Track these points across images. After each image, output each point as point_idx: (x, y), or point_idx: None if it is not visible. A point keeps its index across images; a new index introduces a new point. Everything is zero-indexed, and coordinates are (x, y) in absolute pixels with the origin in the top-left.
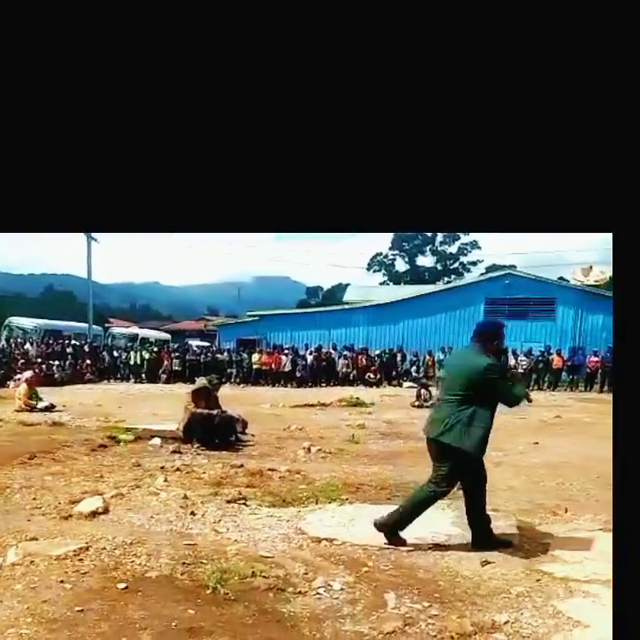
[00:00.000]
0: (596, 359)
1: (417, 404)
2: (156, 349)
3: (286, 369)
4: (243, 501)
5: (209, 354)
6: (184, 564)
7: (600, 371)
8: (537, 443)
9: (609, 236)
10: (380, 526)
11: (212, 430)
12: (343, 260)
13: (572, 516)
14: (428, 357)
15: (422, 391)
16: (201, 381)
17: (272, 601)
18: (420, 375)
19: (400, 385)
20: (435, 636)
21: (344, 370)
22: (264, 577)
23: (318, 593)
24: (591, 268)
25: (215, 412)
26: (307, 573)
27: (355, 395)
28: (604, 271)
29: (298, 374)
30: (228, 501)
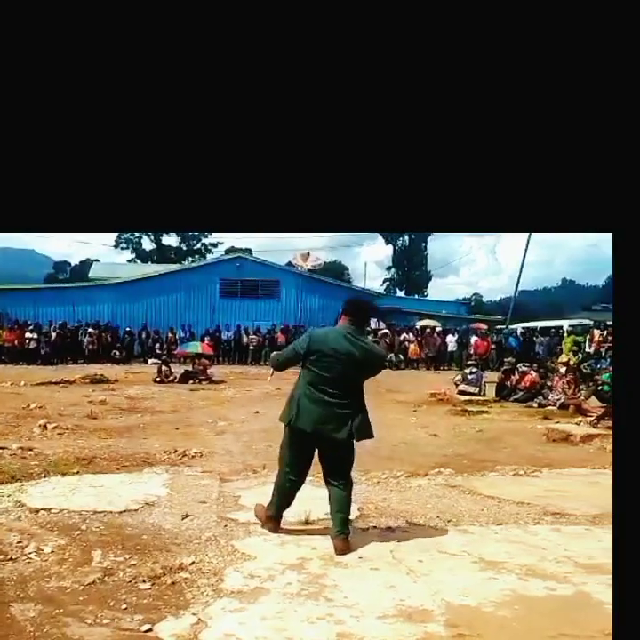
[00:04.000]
0: None
1: (158, 379)
2: None
3: (31, 346)
4: None
5: None
6: None
7: None
8: (257, 412)
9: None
10: (347, 542)
11: None
12: (90, 236)
13: (267, 472)
14: (170, 335)
15: (163, 367)
16: None
17: None
18: (163, 352)
19: (146, 362)
20: (129, 582)
21: (90, 347)
22: None
23: (29, 557)
24: (309, 253)
25: None
26: (20, 541)
27: (99, 372)
28: (319, 257)
29: (42, 352)
30: None
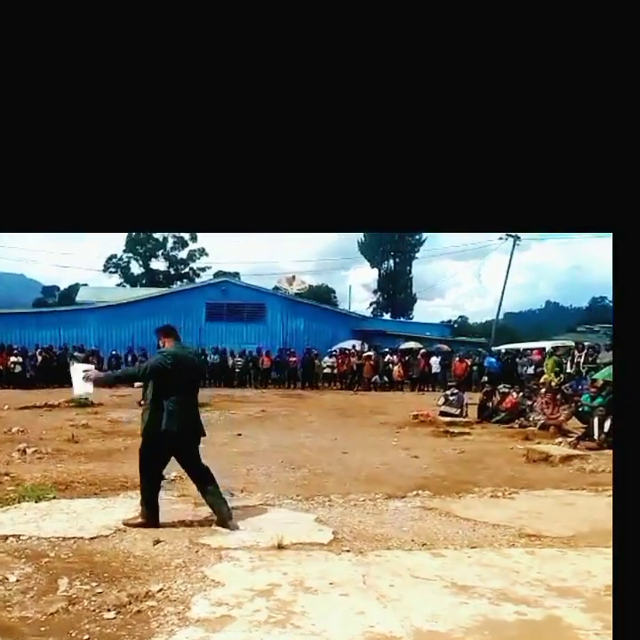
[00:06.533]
0: (294, 359)
1: (143, 402)
2: None
3: (16, 370)
4: None
5: None
6: None
7: (301, 370)
8: (240, 434)
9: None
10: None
11: None
12: (80, 261)
13: (245, 495)
14: None
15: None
16: None
17: None
18: None
19: (132, 385)
20: (94, 611)
21: None
22: None
23: None
24: (294, 277)
25: None
26: None
27: (83, 395)
28: (304, 281)
29: (28, 375)
30: None
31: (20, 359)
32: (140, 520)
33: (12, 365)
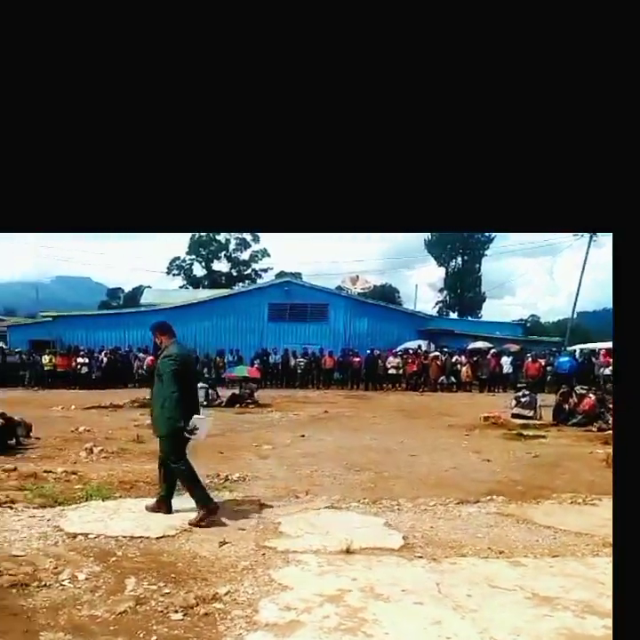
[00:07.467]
0: (357, 359)
1: (205, 403)
2: None
3: (83, 371)
4: (9, 505)
5: None
6: None
7: (364, 370)
8: (303, 436)
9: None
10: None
11: None
12: (145, 264)
13: (310, 498)
14: (218, 359)
15: (210, 391)
16: None
17: (13, 596)
18: (211, 376)
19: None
20: (161, 612)
21: (140, 371)
22: (10, 575)
23: (62, 584)
24: (358, 277)
25: None
26: (56, 567)
27: (148, 396)
28: (368, 280)
29: (93, 376)
30: None
31: (87, 360)
32: (204, 521)
33: (79, 366)
